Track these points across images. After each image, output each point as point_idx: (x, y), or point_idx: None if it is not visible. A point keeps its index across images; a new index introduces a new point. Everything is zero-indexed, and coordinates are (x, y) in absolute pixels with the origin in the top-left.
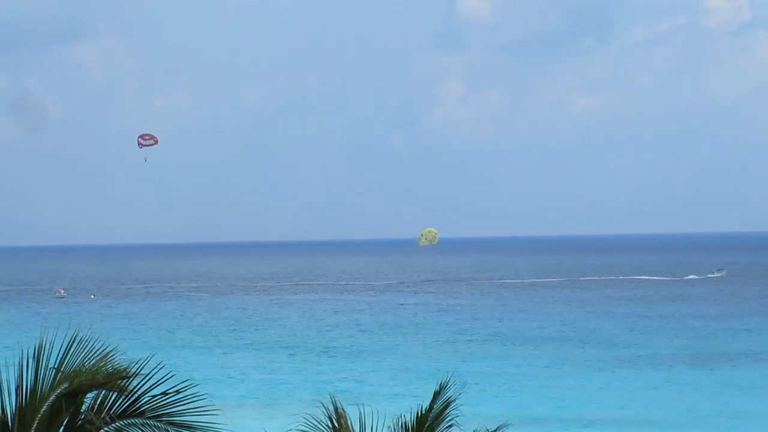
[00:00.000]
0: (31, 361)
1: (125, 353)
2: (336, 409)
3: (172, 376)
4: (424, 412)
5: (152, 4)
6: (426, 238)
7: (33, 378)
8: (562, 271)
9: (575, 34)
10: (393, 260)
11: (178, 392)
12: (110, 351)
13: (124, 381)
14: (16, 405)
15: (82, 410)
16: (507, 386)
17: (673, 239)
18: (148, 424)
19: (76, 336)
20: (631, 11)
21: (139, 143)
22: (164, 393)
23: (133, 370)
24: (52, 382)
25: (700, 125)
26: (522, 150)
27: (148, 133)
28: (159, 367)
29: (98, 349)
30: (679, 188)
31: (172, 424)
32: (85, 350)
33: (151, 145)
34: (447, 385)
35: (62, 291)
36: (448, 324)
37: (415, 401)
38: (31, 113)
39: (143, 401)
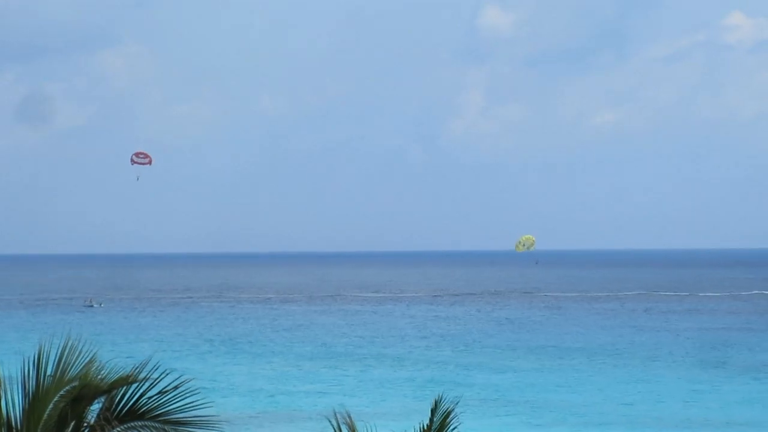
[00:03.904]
0: (32, 368)
1: (127, 358)
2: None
3: (167, 374)
4: (425, 428)
5: (175, 13)
6: (524, 245)
7: (35, 385)
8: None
9: (595, 49)
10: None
11: (175, 388)
12: (93, 356)
13: (125, 387)
14: (21, 412)
15: (85, 416)
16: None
17: (696, 255)
18: (146, 425)
19: (69, 343)
20: (650, 27)
21: (132, 160)
22: (161, 392)
23: (134, 374)
24: (52, 389)
25: (719, 141)
26: (541, 163)
27: (142, 151)
28: (155, 367)
29: (93, 356)
30: (698, 203)
31: (168, 422)
32: (81, 357)
33: (145, 163)
34: (442, 399)
35: (92, 300)
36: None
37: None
38: (53, 120)
39: (142, 402)
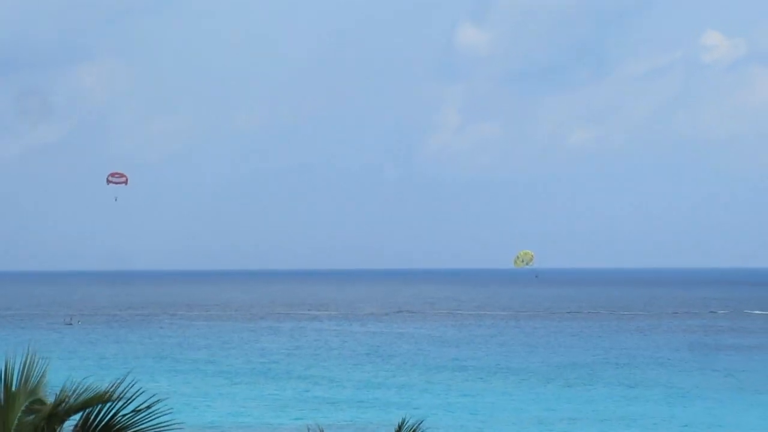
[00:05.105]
0: None
1: (99, 376)
2: None
3: (141, 393)
4: None
5: (152, 27)
6: (522, 260)
7: (3, 400)
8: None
9: (573, 67)
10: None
11: (149, 407)
12: (45, 370)
13: (99, 405)
14: None
15: None
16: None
17: (673, 274)
18: None
19: (30, 358)
20: (628, 45)
21: (108, 180)
22: (135, 411)
23: (110, 392)
24: (17, 404)
25: (695, 159)
26: (518, 180)
27: (118, 171)
28: (131, 384)
29: (45, 371)
30: (675, 222)
31: None
32: (38, 370)
33: (121, 183)
34: (405, 421)
35: (71, 318)
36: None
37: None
38: (28, 136)
39: (116, 420)
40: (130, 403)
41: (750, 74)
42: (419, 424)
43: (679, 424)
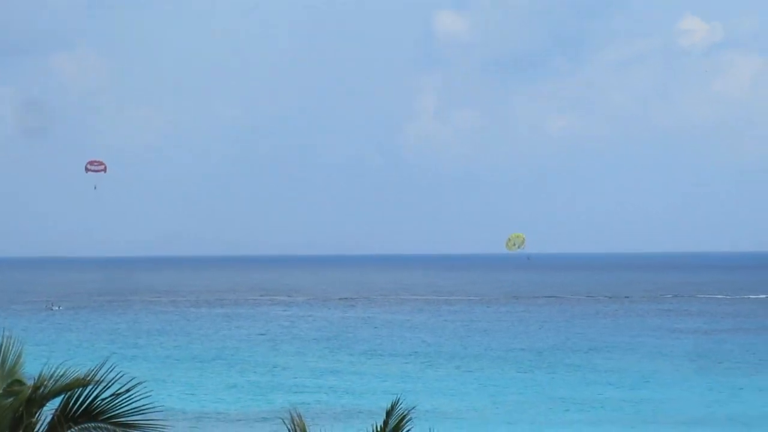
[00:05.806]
0: None
1: (84, 360)
2: (301, 427)
3: (121, 376)
4: (379, 429)
5: (131, 18)
6: (514, 243)
7: None
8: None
9: (552, 54)
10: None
11: (128, 391)
12: (21, 351)
13: (80, 389)
14: None
15: (40, 417)
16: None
17: (659, 258)
18: (99, 427)
19: (8, 340)
20: (606, 32)
21: (86, 169)
22: (114, 394)
23: (90, 376)
24: None
25: (678, 144)
26: (498, 169)
27: (96, 159)
28: (110, 368)
29: (21, 351)
30: (658, 207)
31: (119, 425)
32: (11, 354)
33: (99, 170)
34: (398, 402)
35: (52, 303)
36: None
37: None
38: (5, 124)
39: (96, 404)
40: (110, 387)
41: (728, 59)
42: (411, 410)
43: (646, 407)
